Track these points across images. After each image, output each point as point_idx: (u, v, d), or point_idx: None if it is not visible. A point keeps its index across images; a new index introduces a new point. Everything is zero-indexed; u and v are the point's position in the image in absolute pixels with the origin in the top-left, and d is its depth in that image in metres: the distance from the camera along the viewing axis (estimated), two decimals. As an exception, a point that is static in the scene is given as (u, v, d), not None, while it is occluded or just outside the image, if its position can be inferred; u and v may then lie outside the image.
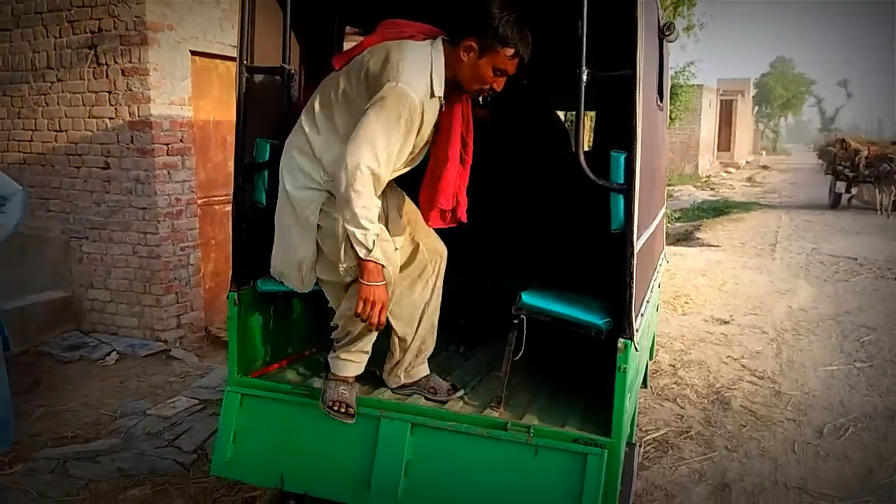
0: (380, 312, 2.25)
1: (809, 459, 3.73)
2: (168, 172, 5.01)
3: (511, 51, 2.26)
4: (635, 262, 2.31)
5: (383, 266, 2.24)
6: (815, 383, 4.83)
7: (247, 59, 2.61)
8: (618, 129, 2.41)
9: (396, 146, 2.19)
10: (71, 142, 5.19)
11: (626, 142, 2.27)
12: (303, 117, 2.42)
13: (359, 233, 2.15)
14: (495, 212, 3.76)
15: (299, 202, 2.38)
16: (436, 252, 2.65)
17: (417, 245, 2.62)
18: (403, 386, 2.68)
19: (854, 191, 15.04)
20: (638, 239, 2.36)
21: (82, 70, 5.03)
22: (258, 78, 2.68)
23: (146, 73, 4.80)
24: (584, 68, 2.22)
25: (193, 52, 5.11)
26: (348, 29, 3.67)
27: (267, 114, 2.73)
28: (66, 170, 5.24)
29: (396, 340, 2.62)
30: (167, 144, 4.98)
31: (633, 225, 2.28)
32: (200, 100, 5.26)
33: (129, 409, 4.14)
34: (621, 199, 2.31)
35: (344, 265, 2.32)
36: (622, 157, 2.29)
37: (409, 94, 2.15)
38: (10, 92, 5.37)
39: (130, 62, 4.84)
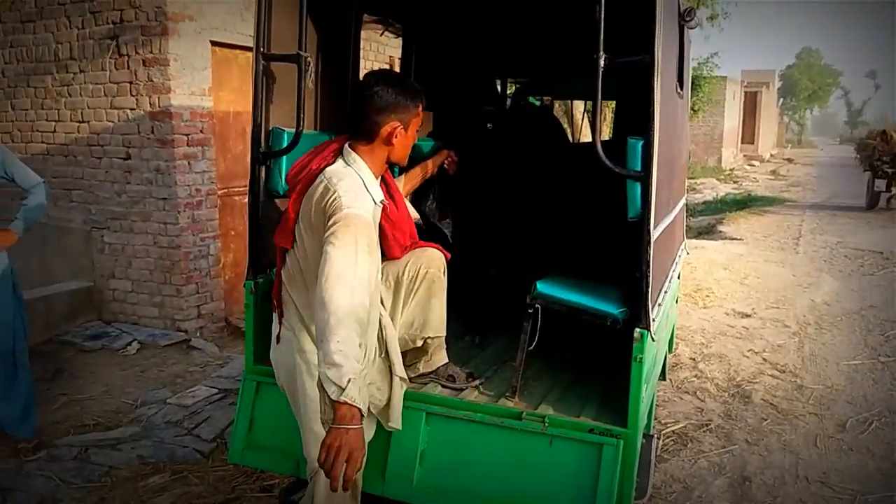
0: (347, 463, 1.68)
1: (832, 453, 3.68)
2: (188, 163, 5.05)
3: (421, 105, 2.23)
4: (652, 251, 2.28)
5: (360, 410, 1.76)
6: (837, 377, 4.75)
7: (263, 47, 2.60)
8: (637, 118, 2.38)
9: (366, 270, 2.01)
10: (93, 132, 5.24)
11: (645, 129, 2.24)
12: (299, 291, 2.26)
13: (332, 371, 1.77)
14: (504, 206, 3.73)
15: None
16: (438, 260, 2.61)
17: (421, 264, 2.58)
18: (421, 375, 2.68)
19: (895, 189, 13.37)
20: (655, 227, 2.33)
21: (104, 61, 5.07)
22: (274, 66, 2.67)
23: (166, 64, 4.83)
24: (601, 53, 2.18)
25: (214, 43, 5.13)
26: (366, 17, 3.64)
27: (283, 102, 2.73)
28: (88, 160, 5.30)
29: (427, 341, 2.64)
30: (187, 135, 5.01)
31: (650, 213, 2.25)
32: (220, 90, 5.28)
33: (149, 397, 4.19)
34: (638, 186, 2.27)
35: (324, 417, 1.98)
36: (639, 144, 2.26)
37: (360, 216, 2.04)
38: (34, 83, 5.44)
39: (151, 53, 4.87)
